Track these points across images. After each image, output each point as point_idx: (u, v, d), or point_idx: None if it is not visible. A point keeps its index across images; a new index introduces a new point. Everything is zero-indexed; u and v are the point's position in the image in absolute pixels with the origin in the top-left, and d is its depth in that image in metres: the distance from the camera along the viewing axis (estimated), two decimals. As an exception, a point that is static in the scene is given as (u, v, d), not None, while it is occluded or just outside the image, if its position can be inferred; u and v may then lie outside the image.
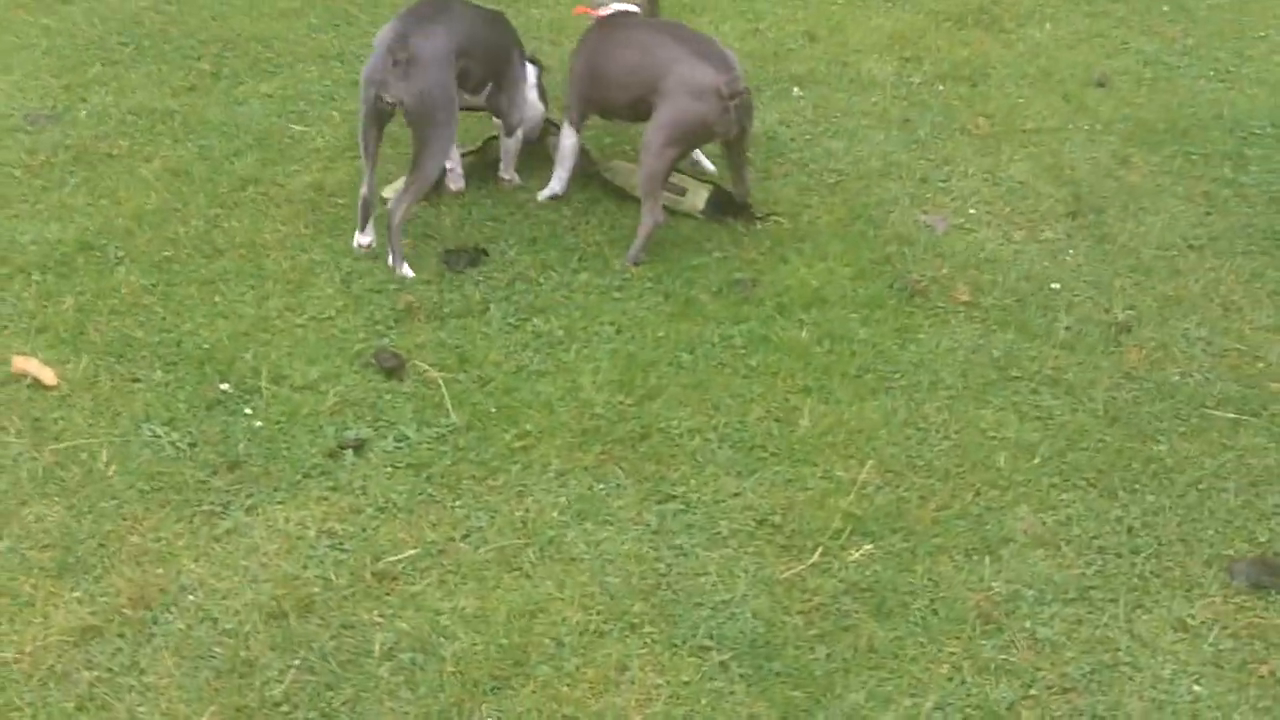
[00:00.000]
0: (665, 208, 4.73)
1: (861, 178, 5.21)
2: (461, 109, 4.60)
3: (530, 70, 4.97)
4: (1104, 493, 3.73)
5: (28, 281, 4.35)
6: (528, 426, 3.89)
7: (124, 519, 3.49)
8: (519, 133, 4.93)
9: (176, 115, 5.33)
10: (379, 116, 4.43)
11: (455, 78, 4.46)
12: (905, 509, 3.65)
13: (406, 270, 4.43)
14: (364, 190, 4.49)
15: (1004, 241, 4.82)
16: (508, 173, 5.00)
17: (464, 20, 4.58)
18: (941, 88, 5.90)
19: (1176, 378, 4.17)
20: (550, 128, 5.06)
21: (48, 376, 3.88)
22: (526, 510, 3.61)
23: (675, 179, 4.88)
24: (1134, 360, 4.22)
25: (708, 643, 3.21)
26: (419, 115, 4.37)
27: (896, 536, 3.57)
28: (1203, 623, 3.33)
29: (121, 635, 3.17)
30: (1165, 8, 6.83)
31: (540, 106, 5.08)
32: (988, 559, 3.50)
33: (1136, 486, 3.75)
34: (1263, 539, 3.58)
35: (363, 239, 4.53)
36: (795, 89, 5.81)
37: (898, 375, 4.15)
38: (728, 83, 4.43)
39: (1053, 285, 4.54)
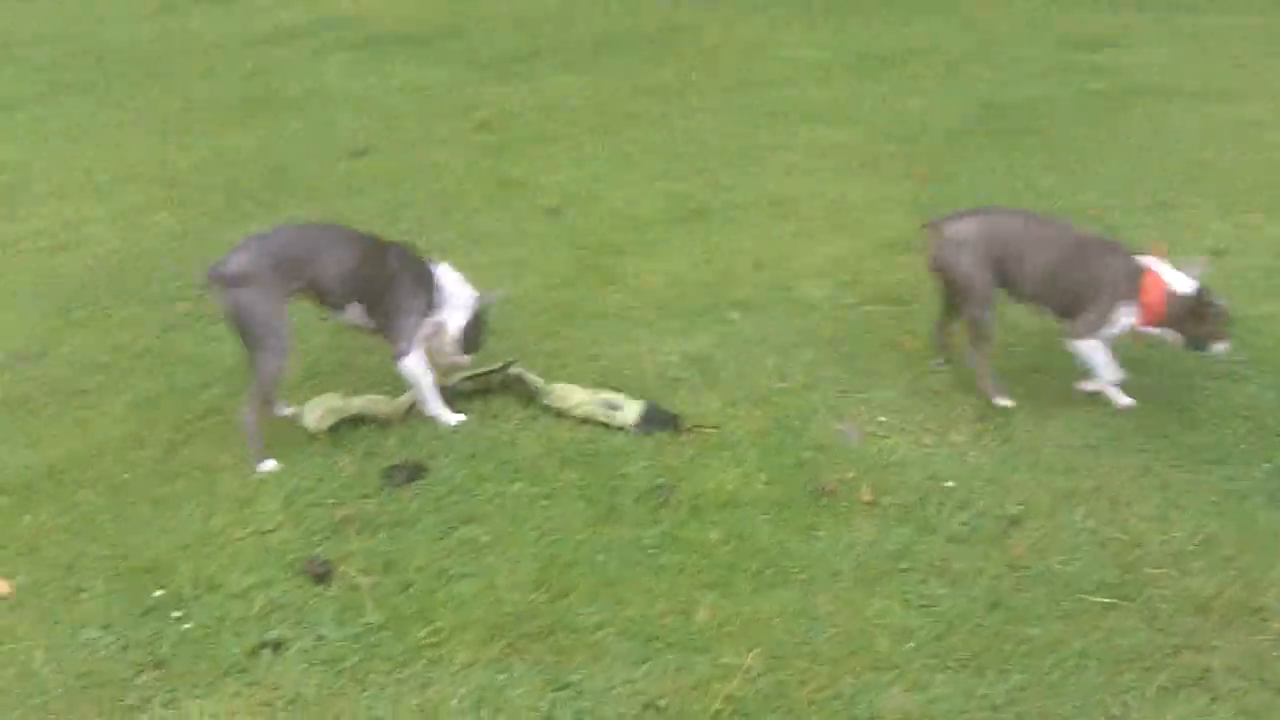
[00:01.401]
0: (601, 422, 5.11)
1: (787, 392, 5.55)
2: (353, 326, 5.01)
3: (455, 300, 5.24)
4: (975, 672, 3.95)
5: (-7, 504, 4.77)
6: (440, 624, 4.18)
7: (50, 713, 3.79)
8: (407, 362, 5.13)
9: (153, 352, 5.80)
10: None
11: (281, 295, 4.81)
12: (785, 691, 3.89)
13: (266, 465, 4.85)
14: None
15: (914, 446, 5.13)
16: (432, 409, 5.25)
17: (304, 240, 4.95)
18: (871, 308, 6.27)
19: (1059, 565, 4.41)
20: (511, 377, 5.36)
21: (2, 588, 4.24)
22: (427, 699, 3.87)
23: (609, 396, 5.26)
24: (1020, 551, 4.47)
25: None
26: (235, 328, 4.80)
27: (773, 716, 3.79)
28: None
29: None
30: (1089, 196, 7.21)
31: (459, 352, 5.30)
32: (854, 734, 3.71)
33: (1006, 667, 3.97)
34: (1116, 713, 3.77)
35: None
36: (734, 313, 6.20)
37: (797, 570, 4.42)
38: None
39: (947, 484, 4.81)
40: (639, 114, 9.40)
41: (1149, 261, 5.22)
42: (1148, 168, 8.25)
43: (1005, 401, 5.39)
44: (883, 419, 5.30)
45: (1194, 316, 5.14)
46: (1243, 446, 5.07)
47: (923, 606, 4.23)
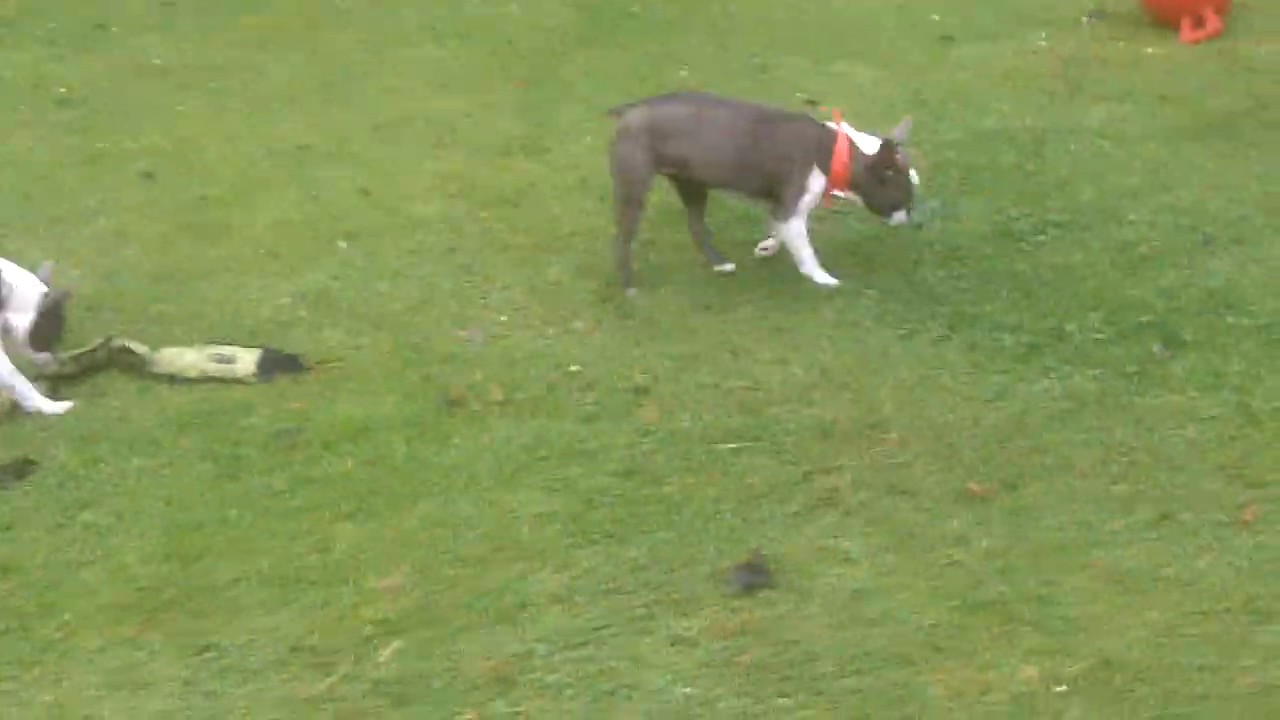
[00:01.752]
0: (216, 378, 4.88)
1: (407, 311, 5.43)
2: None
3: (19, 299, 4.88)
4: (618, 540, 3.97)
5: None
6: (67, 616, 3.92)
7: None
8: None
9: None
10: None
11: None
12: (434, 601, 3.82)
13: None
14: None
15: (538, 339, 5.11)
16: (30, 403, 4.90)
17: None
18: (484, 214, 6.20)
19: (687, 424, 4.47)
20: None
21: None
22: (62, 693, 3.64)
23: (220, 350, 5.04)
24: (649, 417, 4.51)
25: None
26: None
27: (424, 629, 3.72)
28: (699, 633, 3.57)
29: None
30: (684, 72, 7.32)
31: (35, 351, 4.95)
32: (506, 626, 3.67)
33: (646, 528, 4.00)
34: (755, 544, 3.85)
35: None
36: (342, 243, 6.03)
37: (436, 481, 4.34)
38: None
39: (573, 368, 4.81)
40: (227, 65, 9.00)
41: (837, 126, 5.15)
42: (740, 35, 8.40)
43: (633, 292, 5.33)
44: (504, 319, 5.26)
45: (875, 180, 5.08)
46: (850, 279, 5.23)
47: (563, 490, 4.22)
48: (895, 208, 5.12)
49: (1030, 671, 3.31)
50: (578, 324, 5.18)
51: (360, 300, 5.57)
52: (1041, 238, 5.38)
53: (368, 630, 3.73)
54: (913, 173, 5.11)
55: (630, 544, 3.94)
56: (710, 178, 5.23)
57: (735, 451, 4.28)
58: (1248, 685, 3.25)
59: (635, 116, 5.20)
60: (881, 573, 3.71)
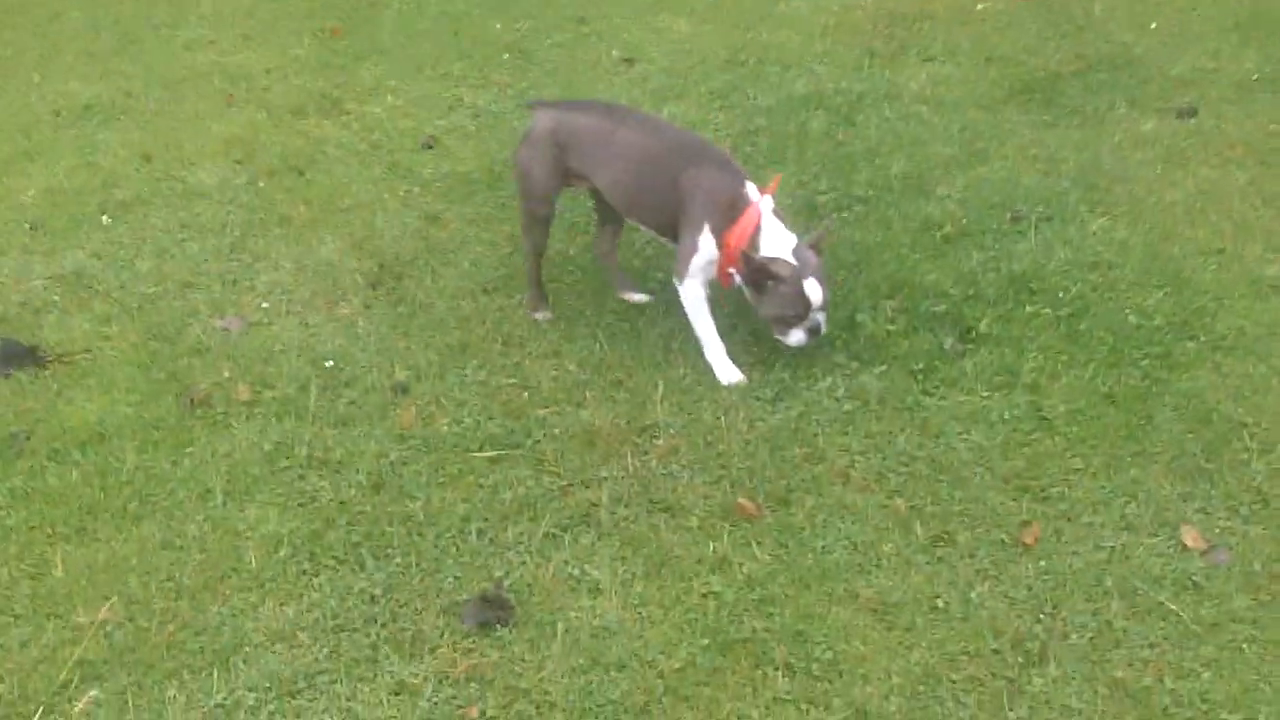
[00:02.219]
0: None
1: (166, 294, 5.00)
2: None
3: None
4: (353, 566, 3.61)
5: None
6: None
7: None
8: None
9: None
10: None
11: None
12: (144, 638, 3.44)
13: None
14: None
15: (299, 328, 4.71)
16: None
17: None
18: (264, 183, 5.76)
19: (447, 428, 4.11)
20: None
21: None
22: None
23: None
24: (407, 421, 4.14)
25: None
26: None
27: (128, 673, 3.34)
28: (425, 679, 3.24)
29: None
30: (505, 56, 6.94)
31: None
32: (217, 671, 3.30)
33: (388, 551, 3.65)
34: (499, 573, 3.51)
35: None
36: (104, 217, 5.55)
37: (163, 497, 3.95)
38: None
39: (328, 364, 4.42)
40: (24, 6, 8.45)
41: (756, 195, 4.15)
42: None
43: (543, 316, 4.63)
44: (265, 305, 4.84)
45: (758, 286, 4.10)
46: (635, 263, 4.90)
47: (300, 506, 3.85)
48: (784, 325, 4.13)
49: (772, 727, 3.02)
50: (344, 309, 4.79)
51: (118, 283, 5.13)
52: (845, 214, 5.06)
53: (65, 674, 3.34)
54: (812, 286, 4.06)
55: (364, 572, 3.58)
56: (615, 203, 4.43)
57: (493, 461, 3.94)
58: (1008, 741, 2.99)
59: (542, 121, 4.44)
60: (631, 605, 3.39)
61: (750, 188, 4.15)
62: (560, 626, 3.34)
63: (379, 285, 4.92)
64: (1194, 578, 3.39)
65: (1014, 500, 3.68)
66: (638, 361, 4.34)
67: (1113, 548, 3.50)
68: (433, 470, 3.94)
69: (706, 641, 3.28)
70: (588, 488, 3.82)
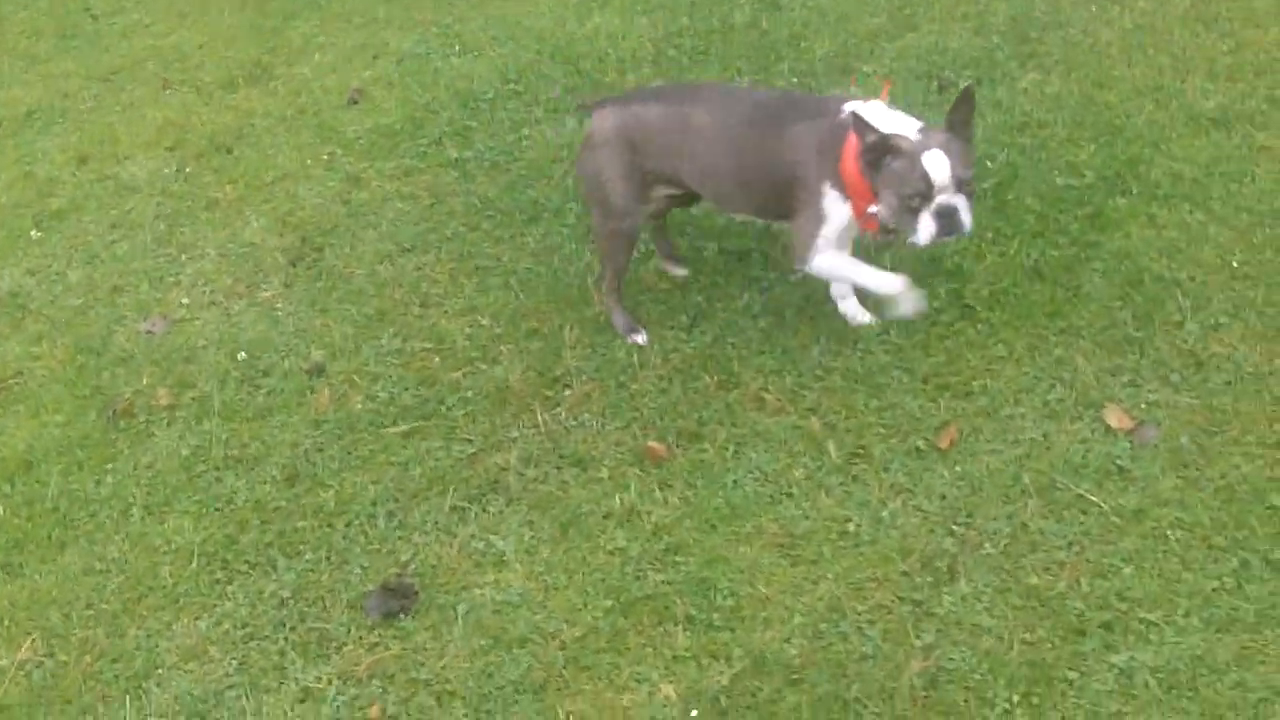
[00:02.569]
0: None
1: (96, 303, 4.91)
2: None
3: None
4: (265, 569, 3.53)
5: None
6: None
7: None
8: None
9: None
10: None
11: None
12: (63, 674, 3.41)
13: None
14: None
15: (221, 320, 4.60)
16: None
17: None
18: (191, 168, 5.63)
19: (360, 407, 3.99)
20: None
21: None
22: None
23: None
24: (322, 405, 4.03)
25: None
26: None
27: (44, 713, 3.30)
28: (329, 681, 3.15)
29: None
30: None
31: None
32: (129, 700, 3.25)
33: (299, 549, 3.56)
34: (405, 557, 3.41)
35: None
36: (35, 232, 5.47)
37: (86, 520, 3.88)
38: None
39: (241, 355, 4.31)
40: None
41: (856, 110, 3.43)
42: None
43: (640, 338, 3.99)
44: (186, 300, 4.73)
45: (877, 167, 3.39)
46: (553, 200, 4.71)
47: (216, 510, 3.77)
48: (910, 214, 3.38)
49: (669, 690, 2.89)
50: (265, 292, 4.67)
51: (49, 298, 5.05)
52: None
53: (-16, 725, 3.29)
54: (934, 159, 3.33)
55: (275, 573, 3.50)
56: (711, 196, 3.85)
57: (405, 436, 3.82)
58: (916, 674, 2.83)
59: (604, 121, 3.84)
60: (536, 574, 3.28)
61: (850, 106, 3.51)
62: (462, 608, 3.24)
63: (299, 261, 4.79)
64: (1118, 461, 3.19)
65: (932, 401, 3.49)
66: (553, 304, 4.17)
67: (1033, 439, 3.30)
68: (345, 454, 3.83)
69: (610, 603, 3.16)
70: (498, 451, 3.70)
